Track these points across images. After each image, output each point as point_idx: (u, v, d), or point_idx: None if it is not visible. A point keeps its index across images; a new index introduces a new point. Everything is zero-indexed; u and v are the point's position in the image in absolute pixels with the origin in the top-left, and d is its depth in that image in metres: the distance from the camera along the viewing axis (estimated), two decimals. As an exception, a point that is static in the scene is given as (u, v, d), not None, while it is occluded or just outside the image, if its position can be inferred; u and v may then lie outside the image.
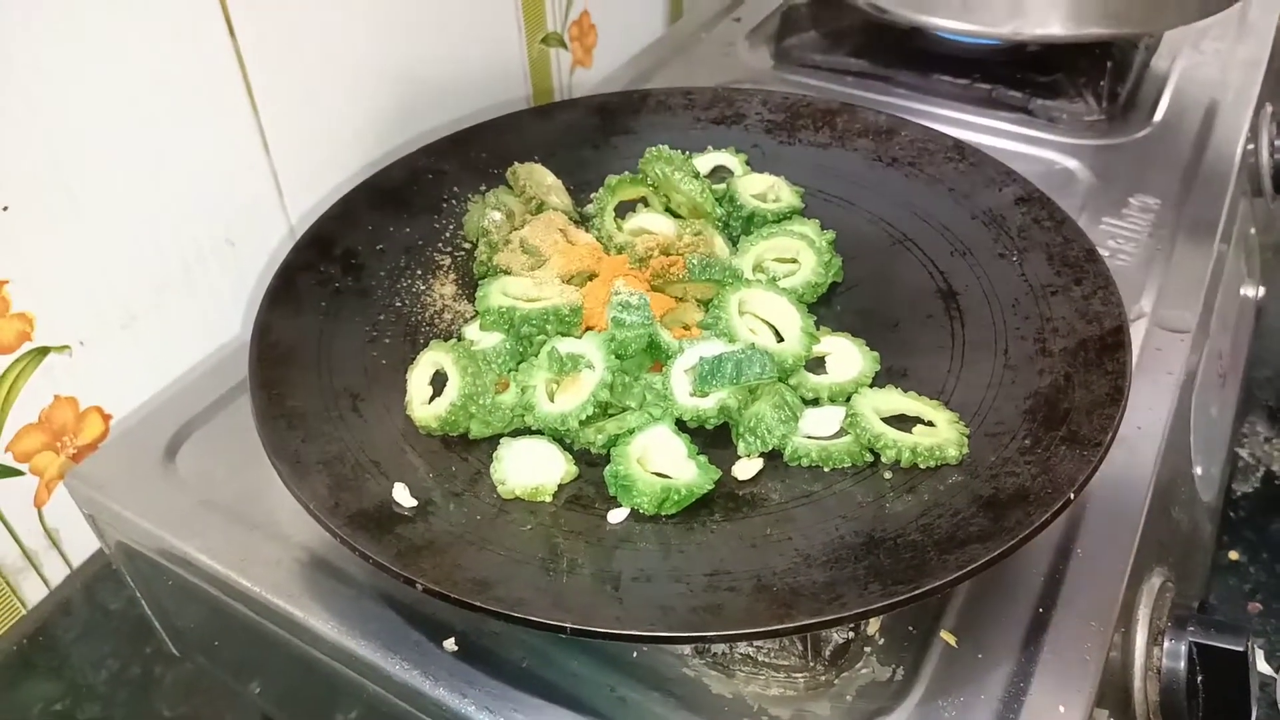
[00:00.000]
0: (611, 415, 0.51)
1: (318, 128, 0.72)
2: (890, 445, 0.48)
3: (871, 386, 0.53)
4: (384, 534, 0.44)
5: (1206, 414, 0.68)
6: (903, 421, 0.51)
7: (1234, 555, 0.87)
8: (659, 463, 0.49)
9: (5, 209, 0.54)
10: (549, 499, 0.48)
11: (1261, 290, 0.92)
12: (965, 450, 0.48)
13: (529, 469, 0.49)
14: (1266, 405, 0.98)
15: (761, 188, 0.65)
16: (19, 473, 0.60)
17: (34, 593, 0.63)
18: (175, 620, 0.63)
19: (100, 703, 0.65)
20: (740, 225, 0.64)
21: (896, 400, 0.51)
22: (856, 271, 0.62)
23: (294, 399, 0.51)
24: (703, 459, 0.49)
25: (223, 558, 0.52)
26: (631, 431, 0.50)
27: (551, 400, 0.51)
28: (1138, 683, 0.50)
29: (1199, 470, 0.66)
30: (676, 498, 0.47)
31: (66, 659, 0.64)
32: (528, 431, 0.52)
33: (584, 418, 0.50)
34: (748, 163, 0.69)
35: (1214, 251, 0.70)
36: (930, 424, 0.50)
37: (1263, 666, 0.71)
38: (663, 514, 0.47)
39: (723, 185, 0.65)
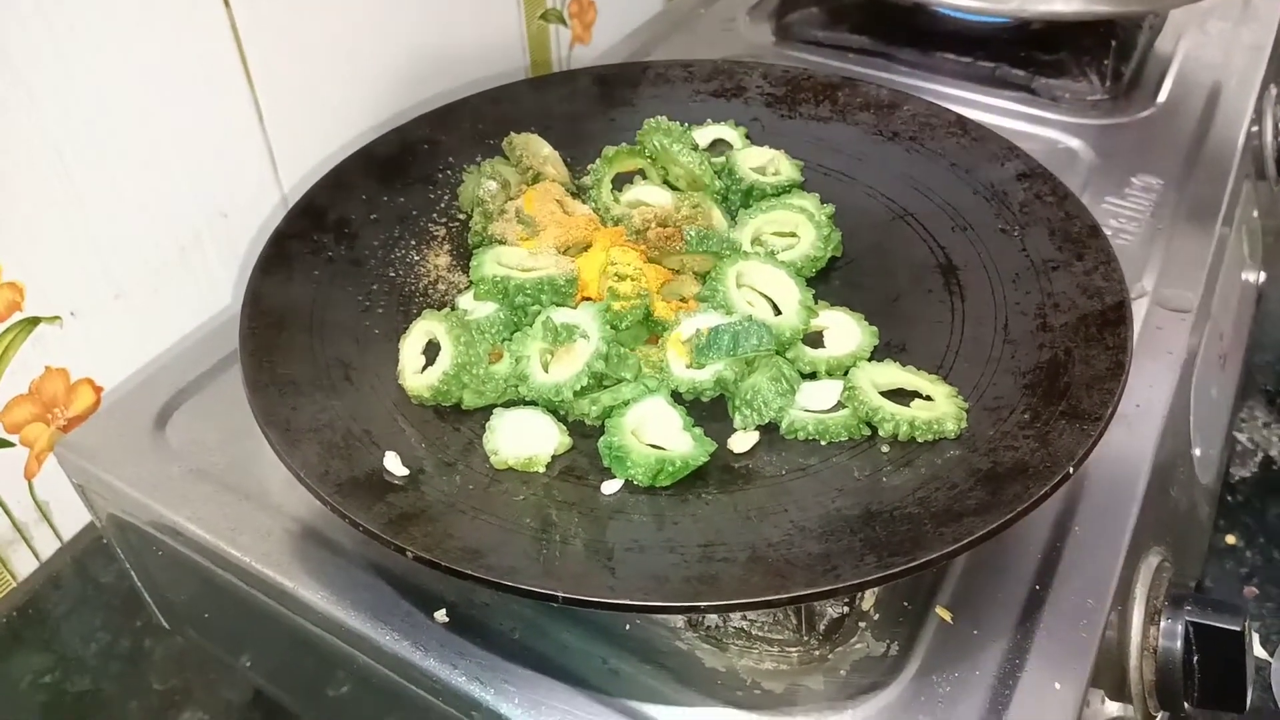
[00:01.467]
0: (606, 387, 0.51)
1: (313, 99, 0.72)
2: (888, 419, 0.48)
3: (870, 360, 0.53)
4: (375, 502, 0.44)
5: (1206, 395, 0.68)
6: (901, 396, 0.50)
7: (1231, 539, 0.87)
8: (654, 434, 0.48)
9: (-4, 177, 0.54)
10: (542, 470, 0.48)
11: (1263, 275, 0.92)
12: (964, 424, 0.48)
13: (522, 439, 0.48)
14: (1266, 390, 0.97)
15: (761, 161, 0.65)
16: (9, 444, 0.59)
17: (24, 565, 0.63)
18: (166, 592, 0.62)
19: (90, 675, 0.65)
20: (739, 198, 0.63)
21: (895, 374, 0.51)
22: (856, 246, 0.61)
23: (285, 367, 0.50)
24: (698, 431, 0.49)
25: (213, 528, 0.51)
26: (626, 403, 0.50)
27: (546, 371, 0.51)
28: (1133, 661, 0.50)
29: (1198, 451, 0.66)
30: (671, 469, 0.46)
31: (56, 632, 0.64)
32: (521, 402, 0.51)
33: (578, 388, 0.49)
34: (747, 136, 0.68)
35: (1216, 233, 0.70)
36: (928, 398, 0.50)
37: (1258, 651, 0.71)
38: (657, 485, 0.47)
39: (722, 159, 0.65)
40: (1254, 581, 0.84)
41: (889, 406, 0.48)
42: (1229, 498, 0.90)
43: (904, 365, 0.52)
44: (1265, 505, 0.90)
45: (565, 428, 0.50)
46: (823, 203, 0.61)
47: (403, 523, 0.42)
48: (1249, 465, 0.94)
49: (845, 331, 0.54)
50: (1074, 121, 0.80)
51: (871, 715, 0.43)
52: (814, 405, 0.50)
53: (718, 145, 0.68)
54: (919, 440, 0.47)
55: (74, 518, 0.64)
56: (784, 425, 0.49)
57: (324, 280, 0.57)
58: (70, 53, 0.55)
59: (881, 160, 0.66)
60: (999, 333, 0.53)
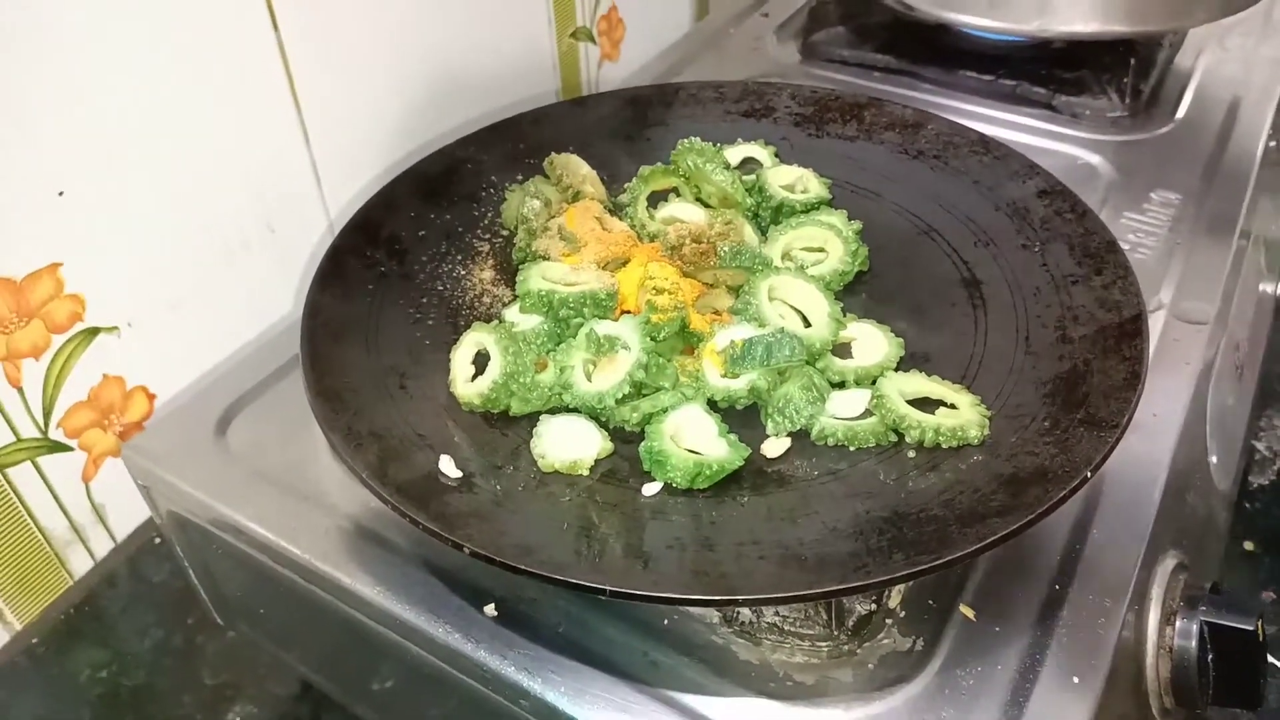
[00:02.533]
0: (645, 395, 0.54)
1: (354, 119, 0.75)
2: (914, 426, 0.50)
3: (896, 371, 0.55)
4: (431, 502, 0.46)
5: (1223, 404, 0.70)
6: (926, 404, 0.53)
7: (1249, 546, 0.88)
8: (691, 440, 0.51)
9: (61, 194, 0.57)
10: (586, 472, 0.50)
11: (1279, 287, 0.93)
12: (986, 431, 0.50)
13: (567, 444, 0.51)
14: (1284, 396, 0.99)
15: (790, 179, 0.67)
16: (68, 448, 0.62)
17: (80, 564, 0.66)
18: (221, 589, 0.65)
19: (144, 670, 0.67)
20: (769, 215, 0.66)
21: (920, 383, 0.53)
22: (883, 261, 0.63)
23: (344, 376, 0.53)
24: (733, 437, 0.51)
25: (273, 526, 0.54)
26: (665, 410, 0.52)
27: (589, 380, 0.53)
28: (1150, 660, 0.52)
29: (1214, 459, 0.68)
30: (708, 473, 0.49)
31: (112, 628, 0.67)
32: (565, 409, 0.54)
33: (620, 396, 0.52)
34: (776, 155, 0.71)
35: (1233, 246, 0.71)
36: (953, 406, 0.52)
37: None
38: (695, 488, 0.49)
39: (752, 176, 0.67)
40: (1271, 587, 0.85)
41: (915, 414, 0.51)
42: (1247, 505, 0.92)
43: (929, 375, 0.54)
44: (1283, 512, 0.92)
45: (607, 433, 0.53)
46: (850, 219, 0.64)
47: (459, 521, 0.45)
48: (1267, 473, 0.95)
49: (872, 343, 0.56)
50: (1094, 138, 0.82)
51: (898, 707, 0.45)
52: (843, 413, 0.53)
53: (748, 164, 0.71)
54: (943, 446, 0.50)
55: (128, 519, 0.67)
56: (814, 432, 0.52)
57: (377, 293, 0.60)
58: (125, 69, 0.58)
59: (907, 178, 0.68)
60: (1020, 344, 0.55)
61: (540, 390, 0.53)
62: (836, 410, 0.53)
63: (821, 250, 0.63)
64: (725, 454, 0.50)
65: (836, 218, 0.64)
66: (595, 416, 0.53)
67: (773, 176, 0.67)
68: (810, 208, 0.65)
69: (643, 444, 0.51)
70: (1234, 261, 0.71)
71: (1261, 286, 0.87)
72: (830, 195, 0.67)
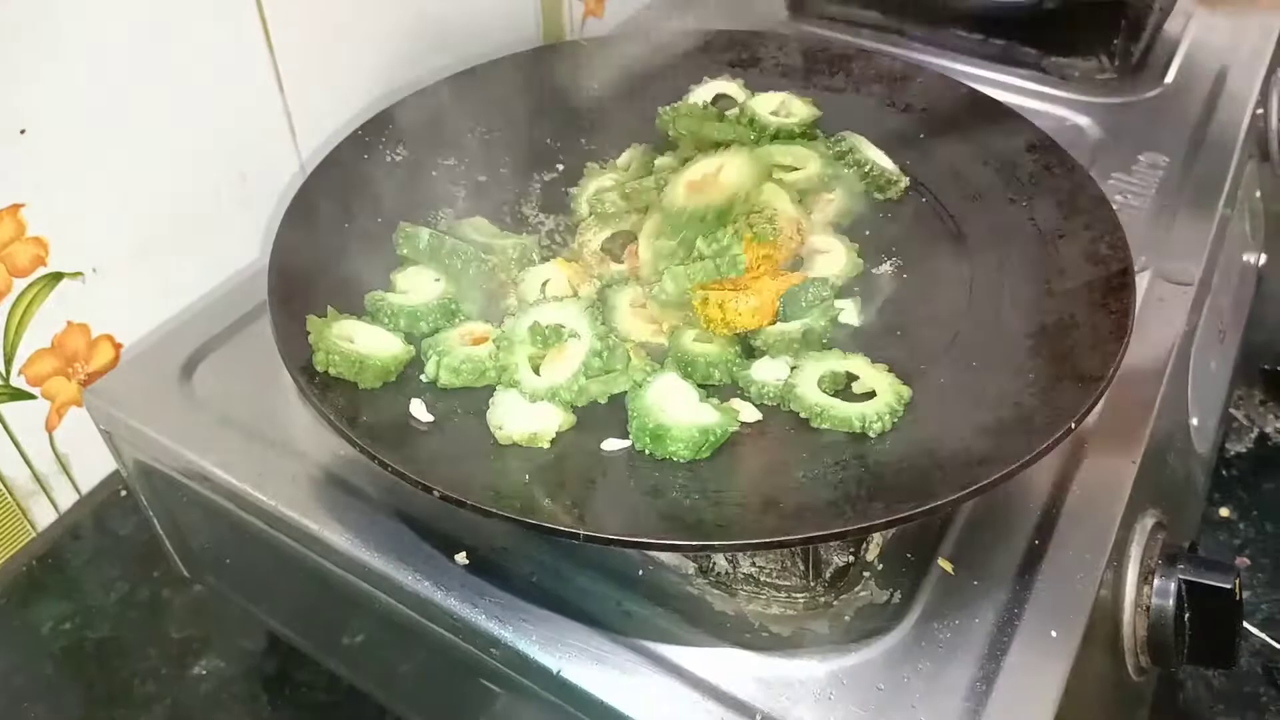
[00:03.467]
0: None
1: (329, 65, 0.73)
2: (818, 414, 0.48)
3: (824, 347, 0.53)
4: (401, 446, 0.45)
5: (1205, 367, 0.69)
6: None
7: (1225, 512, 0.89)
8: (676, 411, 0.48)
9: (23, 132, 0.55)
10: (546, 445, 0.48)
11: (1263, 258, 0.93)
12: (893, 422, 0.48)
13: (526, 416, 0.48)
14: (1263, 369, 0.99)
15: (774, 104, 0.66)
16: (31, 396, 0.61)
17: (44, 516, 0.65)
18: (188, 539, 0.64)
19: (109, 623, 0.66)
20: (768, 142, 0.64)
21: (836, 363, 0.51)
22: (869, 213, 0.62)
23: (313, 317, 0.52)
24: (714, 401, 0.49)
25: (239, 473, 0.53)
26: (639, 384, 0.49)
27: (537, 374, 0.50)
28: (1127, 617, 0.52)
29: (1195, 421, 0.68)
30: (712, 439, 0.46)
31: (76, 581, 0.66)
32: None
33: (576, 389, 0.49)
34: (746, 86, 0.70)
35: (1219, 211, 0.71)
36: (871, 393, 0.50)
37: (1264, 636, 0.73)
38: (699, 458, 0.47)
39: (734, 110, 0.66)
40: (1246, 553, 0.86)
41: (822, 402, 0.49)
42: (1224, 472, 0.92)
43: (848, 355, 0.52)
44: (1259, 480, 0.92)
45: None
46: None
47: (429, 464, 0.44)
48: (1244, 441, 0.96)
49: (835, 257, 0.57)
50: (1083, 99, 0.81)
51: (874, 658, 0.44)
52: (766, 377, 0.51)
53: (721, 101, 0.70)
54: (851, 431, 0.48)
55: (93, 471, 0.66)
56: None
57: (348, 236, 0.58)
58: (96, 13, 0.56)
59: (894, 131, 0.67)
60: (1007, 297, 0.54)
61: (473, 364, 0.50)
62: (760, 375, 0.51)
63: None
64: (720, 418, 0.48)
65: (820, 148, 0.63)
66: None
67: (758, 106, 0.66)
68: (806, 129, 0.64)
69: (634, 422, 0.48)
70: (1219, 226, 0.70)
71: (1245, 256, 0.87)
72: (819, 111, 0.66)
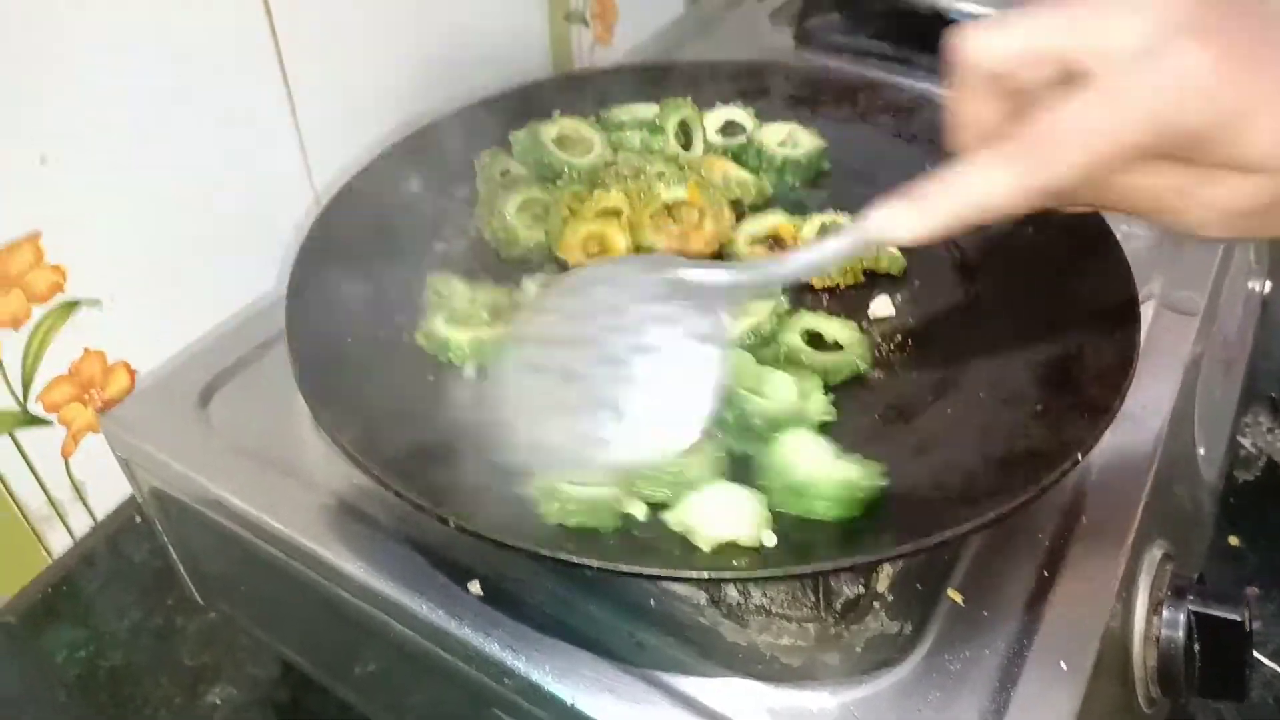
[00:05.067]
0: None
1: (344, 98, 0.74)
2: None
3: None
4: (417, 476, 0.46)
5: (1211, 397, 0.70)
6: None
7: (1234, 541, 0.89)
8: (808, 467, 0.46)
9: (43, 161, 0.56)
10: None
11: (1268, 285, 0.93)
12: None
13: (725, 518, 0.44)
14: (1269, 397, 0.99)
15: (781, 135, 0.68)
16: (48, 423, 0.61)
17: (59, 543, 0.65)
18: (202, 567, 0.64)
19: (123, 650, 0.67)
20: (773, 176, 0.66)
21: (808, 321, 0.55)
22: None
23: (330, 349, 0.53)
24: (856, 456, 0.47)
25: (255, 501, 0.53)
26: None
27: None
28: (1137, 648, 0.52)
29: (1202, 450, 0.68)
30: (860, 496, 0.44)
31: (90, 608, 0.66)
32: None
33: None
34: (756, 115, 0.71)
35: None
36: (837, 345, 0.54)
37: (1268, 661, 0.73)
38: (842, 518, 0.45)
39: (741, 139, 0.67)
40: (1255, 583, 0.86)
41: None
42: (1232, 500, 0.92)
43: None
44: (1267, 509, 0.92)
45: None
46: (839, 209, 0.63)
47: (445, 496, 0.44)
48: (1252, 469, 0.96)
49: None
50: (1086, 129, 0.82)
51: (885, 690, 0.45)
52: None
53: (730, 129, 0.71)
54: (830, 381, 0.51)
55: (108, 498, 0.66)
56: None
57: (365, 266, 0.59)
58: (112, 40, 0.57)
59: (901, 161, 0.67)
60: (1013, 327, 0.55)
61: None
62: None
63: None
64: (864, 471, 0.45)
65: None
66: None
67: (766, 136, 0.67)
68: (813, 162, 0.65)
69: (773, 481, 0.45)
70: (1224, 255, 0.71)
71: (1250, 284, 0.87)
72: (825, 141, 0.67)
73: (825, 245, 0.41)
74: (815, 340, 0.56)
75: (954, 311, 0.58)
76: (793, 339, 0.55)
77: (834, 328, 0.56)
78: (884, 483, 0.45)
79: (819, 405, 0.51)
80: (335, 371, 0.52)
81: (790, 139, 0.67)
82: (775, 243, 0.61)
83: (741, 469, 0.47)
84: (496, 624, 0.47)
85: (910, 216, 0.39)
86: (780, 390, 0.50)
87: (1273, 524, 0.91)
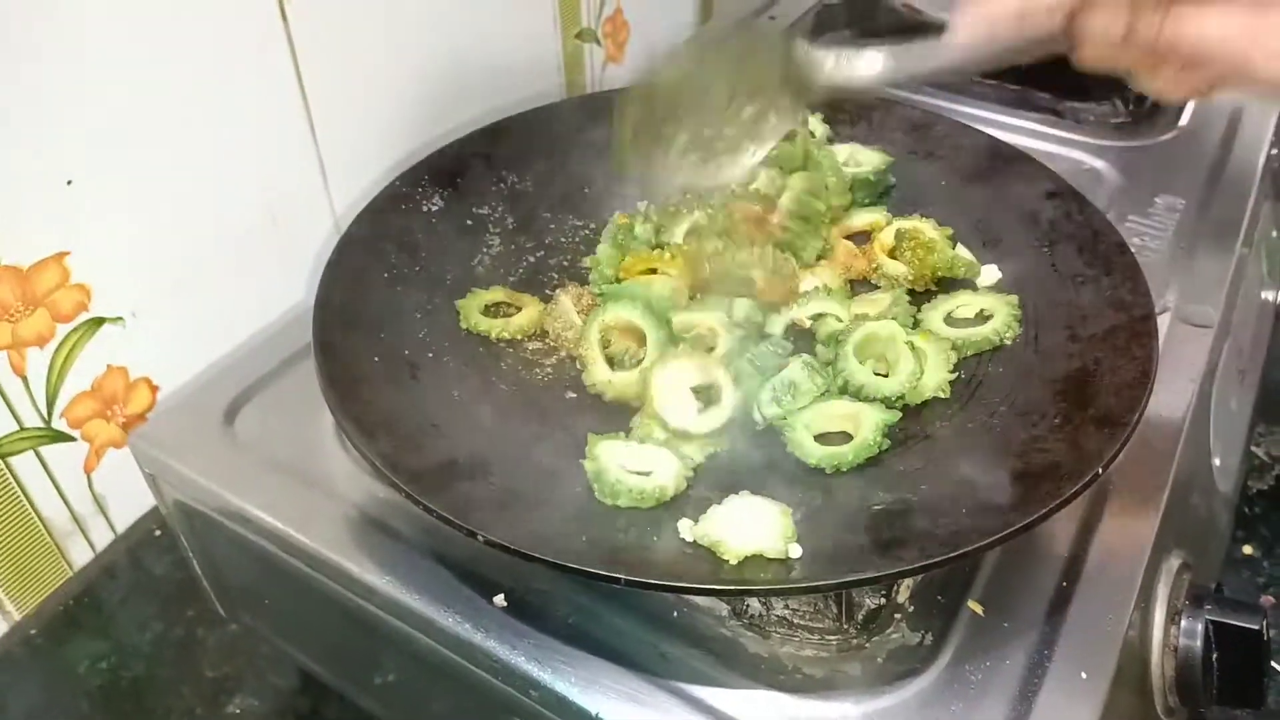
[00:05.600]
0: None
1: (362, 117, 0.74)
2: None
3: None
4: (445, 491, 0.46)
5: (1226, 407, 0.70)
6: None
7: (1248, 549, 0.89)
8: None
9: (69, 183, 0.57)
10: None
11: (1280, 296, 0.93)
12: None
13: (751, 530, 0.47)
14: (1282, 406, 0.99)
15: (843, 156, 0.69)
16: (71, 438, 0.62)
17: (80, 555, 0.66)
18: (225, 579, 0.65)
19: (144, 661, 0.67)
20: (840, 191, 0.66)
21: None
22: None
23: (356, 365, 0.53)
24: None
25: (281, 515, 0.54)
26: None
27: None
28: (1155, 658, 0.52)
29: (1217, 461, 0.68)
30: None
31: (112, 620, 0.66)
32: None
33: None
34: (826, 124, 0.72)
35: (1236, 252, 0.72)
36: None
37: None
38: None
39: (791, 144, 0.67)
40: (1270, 590, 0.86)
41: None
42: (1246, 510, 0.92)
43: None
44: (1281, 517, 0.93)
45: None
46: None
47: (473, 510, 0.45)
48: (1266, 479, 0.96)
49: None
50: (1098, 143, 0.82)
51: (907, 700, 0.45)
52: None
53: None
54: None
55: (129, 511, 0.67)
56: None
57: (389, 284, 0.60)
58: (135, 61, 0.58)
59: (916, 178, 0.68)
60: (1030, 343, 0.55)
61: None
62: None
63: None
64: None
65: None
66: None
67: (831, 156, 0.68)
68: (880, 176, 0.66)
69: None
70: (1237, 267, 0.71)
71: (1263, 294, 0.88)
72: (891, 157, 0.68)
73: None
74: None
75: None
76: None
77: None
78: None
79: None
80: (362, 385, 0.52)
81: (853, 158, 0.68)
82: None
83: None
84: (522, 636, 0.48)
85: None
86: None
87: (1287, 533, 0.91)
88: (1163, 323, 0.64)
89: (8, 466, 0.58)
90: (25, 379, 0.58)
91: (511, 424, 0.53)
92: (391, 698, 0.60)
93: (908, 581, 0.49)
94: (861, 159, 0.68)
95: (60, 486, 0.63)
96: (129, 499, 0.66)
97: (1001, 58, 0.47)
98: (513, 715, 0.49)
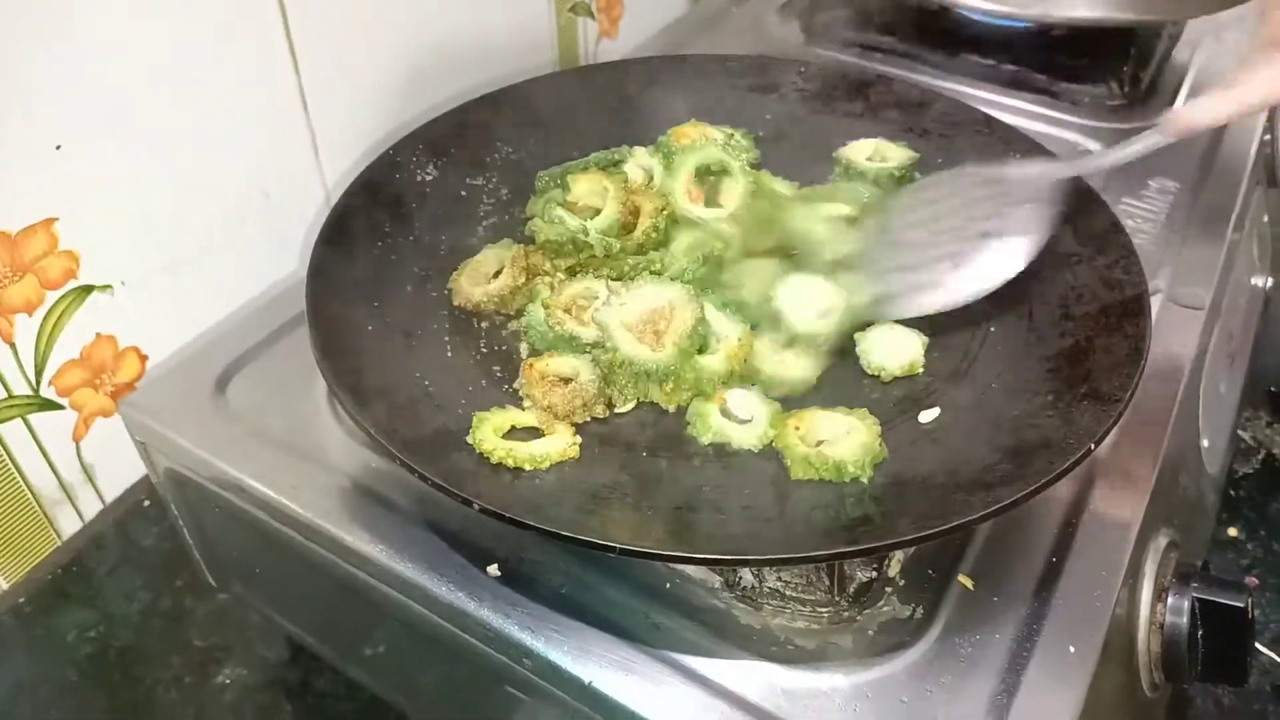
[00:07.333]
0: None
1: (355, 90, 0.74)
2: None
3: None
4: (440, 459, 0.46)
5: (1215, 390, 0.71)
6: None
7: (1233, 532, 0.90)
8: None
9: (58, 148, 0.56)
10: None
11: (1270, 281, 0.94)
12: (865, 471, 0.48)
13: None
14: (1270, 391, 1.00)
15: (867, 151, 0.68)
16: (60, 406, 0.62)
17: (69, 525, 0.65)
18: (216, 549, 0.65)
19: (132, 631, 0.67)
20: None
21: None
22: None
23: (349, 334, 0.53)
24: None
25: (274, 484, 0.54)
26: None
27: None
28: (1142, 634, 0.53)
29: (1206, 442, 0.69)
30: None
31: (100, 589, 0.66)
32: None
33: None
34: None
35: (1228, 236, 0.72)
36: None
37: (1267, 651, 0.74)
38: None
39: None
40: (1254, 572, 0.87)
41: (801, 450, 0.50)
42: (1232, 492, 0.94)
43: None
44: (1266, 500, 0.94)
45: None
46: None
47: (468, 478, 0.45)
48: (1252, 462, 0.97)
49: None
50: (1093, 125, 0.83)
51: (897, 672, 0.46)
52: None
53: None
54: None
55: (117, 481, 0.67)
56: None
57: (381, 254, 0.60)
58: (127, 29, 0.57)
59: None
60: (1024, 320, 0.55)
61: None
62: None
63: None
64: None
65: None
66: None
67: (851, 154, 0.67)
68: (905, 172, 0.66)
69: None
70: (1229, 251, 0.72)
71: (1253, 280, 0.88)
72: (917, 153, 0.67)
73: (1142, 140, 0.54)
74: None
75: (967, 303, 0.58)
76: None
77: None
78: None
79: None
80: (356, 355, 0.52)
81: (878, 153, 0.68)
82: None
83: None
84: (515, 604, 0.48)
85: (1213, 106, 0.50)
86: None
87: (1271, 515, 0.92)
88: (1155, 304, 0.64)
89: (-3, 434, 0.58)
90: (14, 346, 0.57)
91: (509, 395, 0.53)
92: (382, 668, 0.61)
93: (899, 555, 0.49)
94: (889, 155, 0.68)
95: (49, 455, 0.62)
96: (118, 469, 0.66)
97: None
98: (505, 684, 0.49)
